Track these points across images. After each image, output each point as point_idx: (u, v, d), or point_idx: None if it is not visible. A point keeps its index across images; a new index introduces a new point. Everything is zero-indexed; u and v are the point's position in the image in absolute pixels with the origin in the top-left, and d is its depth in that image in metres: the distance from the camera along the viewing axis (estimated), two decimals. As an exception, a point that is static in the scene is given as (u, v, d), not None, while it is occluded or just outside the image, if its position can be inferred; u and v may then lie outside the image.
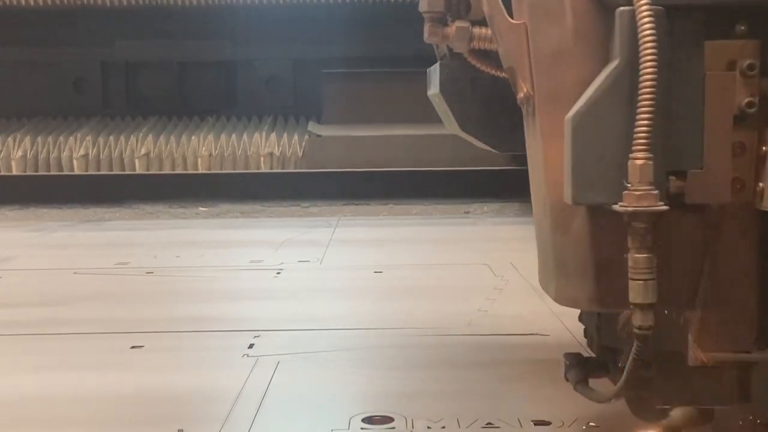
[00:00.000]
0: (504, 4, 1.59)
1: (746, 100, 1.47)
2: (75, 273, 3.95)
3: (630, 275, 1.46)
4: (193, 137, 7.37)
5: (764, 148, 1.48)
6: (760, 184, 1.49)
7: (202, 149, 7.27)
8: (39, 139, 7.34)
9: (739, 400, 1.64)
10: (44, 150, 7.26)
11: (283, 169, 7.20)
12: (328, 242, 4.71)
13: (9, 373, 2.56)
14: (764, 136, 1.48)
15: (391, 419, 2.08)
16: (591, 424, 1.97)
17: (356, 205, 6.45)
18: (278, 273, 3.89)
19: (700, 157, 1.48)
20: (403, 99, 6.94)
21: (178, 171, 7.19)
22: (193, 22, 8.20)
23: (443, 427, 2.03)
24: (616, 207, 1.43)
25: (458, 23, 1.67)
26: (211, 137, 7.37)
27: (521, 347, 2.66)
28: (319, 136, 7.28)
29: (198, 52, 8.27)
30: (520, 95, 1.59)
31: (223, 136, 7.37)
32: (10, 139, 7.31)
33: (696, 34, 1.47)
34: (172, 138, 7.40)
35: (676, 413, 1.70)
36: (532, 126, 1.63)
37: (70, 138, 7.35)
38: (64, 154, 7.23)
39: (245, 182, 6.92)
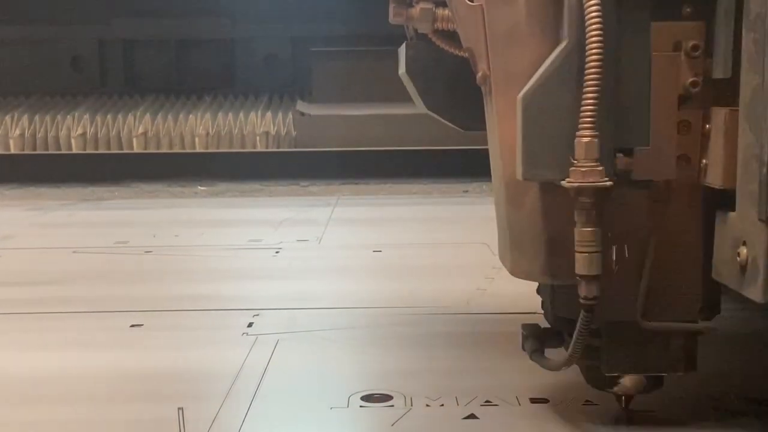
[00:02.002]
0: None
1: (690, 79, 1.52)
2: (74, 252, 3.96)
3: (576, 248, 1.52)
4: (190, 116, 7.35)
5: (708, 126, 1.53)
6: (704, 161, 1.55)
7: (199, 128, 7.25)
8: (37, 117, 7.32)
9: (685, 369, 1.71)
10: (42, 129, 7.24)
11: (278, 148, 7.18)
12: (326, 221, 4.71)
13: (7, 350, 2.57)
14: (708, 114, 1.53)
15: (390, 397, 2.09)
16: (588, 401, 1.98)
17: (355, 184, 6.45)
18: (277, 252, 3.90)
19: (647, 135, 1.53)
20: (395, 77, 6.87)
21: (177, 150, 7.18)
22: (190, 0, 8.15)
23: (442, 405, 2.04)
24: (563, 183, 1.49)
25: (422, 4, 1.71)
26: (208, 116, 7.35)
27: (519, 325, 2.67)
28: (303, 114, 7.25)
29: (196, 30, 8.22)
30: (479, 75, 1.64)
31: (220, 115, 7.35)
32: (8, 118, 7.29)
33: (643, 15, 1.52)
34: (170, 117, 7.38)
35: (626, 381, 1.75)
36: (490, 105, 1.67)
37: (68, 117, 7.33)
38: (62, 133, 7.21)
39: (244, 161, 6.91)
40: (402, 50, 1.97)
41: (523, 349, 1.84)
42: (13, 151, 7.18)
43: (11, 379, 2.31)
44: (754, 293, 1.40)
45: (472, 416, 1.98)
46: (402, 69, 1.97)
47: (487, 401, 2.06)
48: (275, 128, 7.26)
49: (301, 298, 3.08)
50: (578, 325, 1.57)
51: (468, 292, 3.08)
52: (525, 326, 1.84)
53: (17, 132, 7.21)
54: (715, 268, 1.56)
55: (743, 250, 1.42)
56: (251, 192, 6.23)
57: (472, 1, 1.62)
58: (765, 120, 1.34)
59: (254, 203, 5.70)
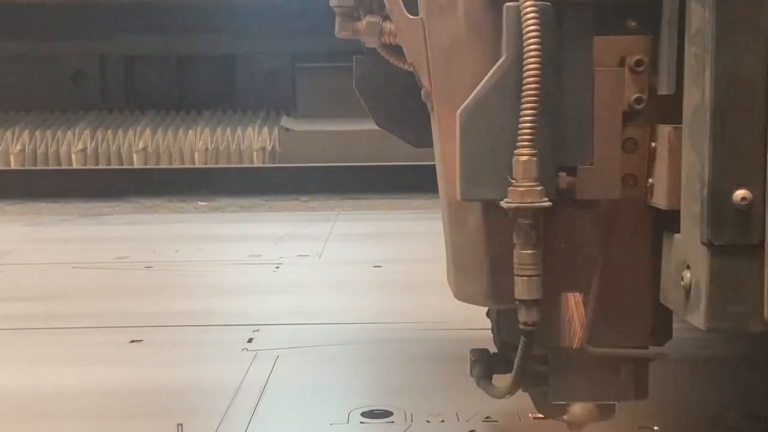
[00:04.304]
0: (412, 1, 1.57)
1: (635, 95, 1.45)
2: (74, 267, 3.95)
3: (515, 271, 1.45)
4: (190, 131, 7.37)
5: (653, 144, 1.47)
6: (650, 180, 1.48)
7: (198, 143, 7.27)
8: (37, 133, 7.33)
9: (636, 396, 1.63)
10: (42, 144, 7.25)
11: (274, 163, 7.19)
12: (327, 236, 4.71)
13: (7, 366, 2.56)
14: (654, 132, 1.47)
15: (390, 413, 2.09)
16: (590, 418, 1.97)
17: (355, 199, 6.45)
18: (277, 267, 3.89)
19: (590, 153, 1.47)
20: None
21: (177, 165, 7.18)
22: (191, 16, 8.19)
23: (442, 421, 2.03)
24: (501, 203, 1.42)
25: (368, 18, 1.66)
26: (207, 131, 7.36)
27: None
28: (288, 130, 7.27)
29: (197, 46, 8.25)
30: (423, 91, 1.59)
31: (218, 131, 7.37)
32: (8, 134, 7.30)
33: (585, 29, 1.46)
34: (170, 132, 7.40)
35: (575, 408, 1.68)
36: (433, 121, 1.62)
37: (69, 132, 7.34)
38: (63, 149, 7.22)
39: (245, 176, 6.91)
40: (353, 65, 1.93)
41: (471, 374, 1.77)
42: (13, 166, 7.18)
43: (10, 394, 2.30)
44: (696, 319, 1.33)
45: (472, 432, 1.97)
46: (353, 83, 1.93)
47: (487, 417, 2.05)
48: (271, 144, 7.28)
49: (301, 314, 3.07)
50: (519, 351, 1.51)
51: (469, 307, 3.06)
52: (473, 351, 1.78)
53: (18, 147, 7.22)
54: (662, 292, 1.49)
55: (687, 274, 1.35)
56: (251, 207, 6.23)
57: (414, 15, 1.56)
58: (706, 138, 1.29)
59: (254, 218, 5.71)
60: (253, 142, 7.28)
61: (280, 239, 4.61)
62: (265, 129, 7.42)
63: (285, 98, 8.36)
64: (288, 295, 3.41)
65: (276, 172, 6.99)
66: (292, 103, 8.25)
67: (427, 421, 2.03)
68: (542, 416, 2.02)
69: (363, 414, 2.09)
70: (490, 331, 1.92)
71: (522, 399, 2.11)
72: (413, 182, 6.65)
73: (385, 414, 2.08)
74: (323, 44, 8.05)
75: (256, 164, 7.18)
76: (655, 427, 1.92)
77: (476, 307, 3.22)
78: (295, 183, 6.75)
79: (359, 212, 5.91)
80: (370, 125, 6.84)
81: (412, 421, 2.04)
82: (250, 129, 7.40)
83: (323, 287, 3.54)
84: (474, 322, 2.90)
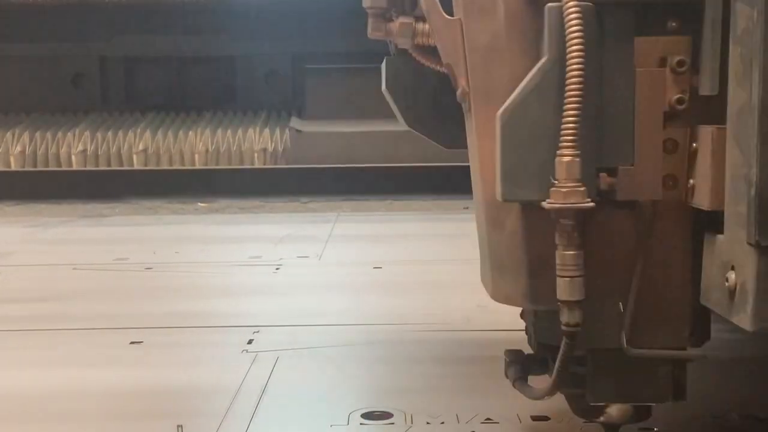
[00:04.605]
0: (445, 1, 1.58)
1: (676, 96, 1.46)
2: (74, 269, 3.95)
3: (558, 272, 1.45)
4: (190, 133, 7.37)
5: (695, 144, 1.47)
6: (691, 181, 1.48)
7: (198, 145, 7.27)
8: (37, 134, 7.33)
9: (674, 398, 1.63)
10: (43, 146, 7.25)
11: (275, 164, 7.19)
12: (327, 238, 4.71)
13: (8, 367, 2.56)
14: (695, 132, 1.46)
15: (390, 415, 2.09)
16: (590, 419, 1.97)
17: (355, 200, 6.45)
18: (277, 268, 3.89)
19: (631, 154, 1.47)
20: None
21: (177, 167, 7.18)
22: (191, 17, 8.19)
23: (442, 423, 2.03)
24: (543, 204, 1.43)
25: (402, 19, 1.65)
26: (207, 133, 7.36)
27: (520, 343, 2.66)
28: (299, 131, 7.27)
29: (197, 47, 8.25)
30: (458, 91, 1.59)
31: (219, 132, 7.37)
32: (8, 135, 7.30)
33: (626, 30, 1.46)
34: (170, 134, 7.40)
35: (613, 410, 1.68)
36: (469, 122, 1.62)
37: (69, 133, 7.34)
38: (63, 150, 7.22)
39: (245, 178, 6.91)
40: (383, 66, 1.93)
41: (506, 376, 1.77)
42: (13, 167, 7.18)
43: (11, 396, 2.30)
44: (743, 321, 1.33)
45: (473, 434, 1.97)
46: (384, 85, 1.93)
47: (488, 419, 2.05)
48: (273, 145, 7.28)
49: (301, 315, 3.07)
50: (560, 352, 1.51)
51: (469, 309, 3.07)
52: (508, 352, 1.79)
53: (18, 149, 7.22)
54: (703, 293, 1.48)
55: (732, 275, 1.35)
56: (251, 208, 6.23)
57: (451, 16, 1.58)
58: (753, 138, 1.28)
59: (254, 220, 5.70)
60: (253, 143, 7.28)
61: (281, 241, 4.61)
62: (266, 130, 7.42)
63: (285, 99, 8.36)
64: (288, 296, 3.41)
65: (276, 174, 6.99)
66: (293, 104, 8.26)
67: (427, 423, 2.03)
68: (542, 418, 2.02)
69: (363, 415, 2.09)
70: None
71: (522, 400, 2.12)
72: (413, 184, 6.66)
73: (385, 415, 2.08)
74: (324, 45, 8.07)
75: (260, 165, 7.18)
76: (655, 429, 1.92)
77: (476, 308, 3.22)
78: (295, 184, 6.75)
79: (359, 214, 5.91)
80: (380, 127, 6.87)
81: (412, 422, 2.04)
82: (250, 130, 7.40)
83: (323, 288, 3.54)
84: (474, 323, 2.91)
